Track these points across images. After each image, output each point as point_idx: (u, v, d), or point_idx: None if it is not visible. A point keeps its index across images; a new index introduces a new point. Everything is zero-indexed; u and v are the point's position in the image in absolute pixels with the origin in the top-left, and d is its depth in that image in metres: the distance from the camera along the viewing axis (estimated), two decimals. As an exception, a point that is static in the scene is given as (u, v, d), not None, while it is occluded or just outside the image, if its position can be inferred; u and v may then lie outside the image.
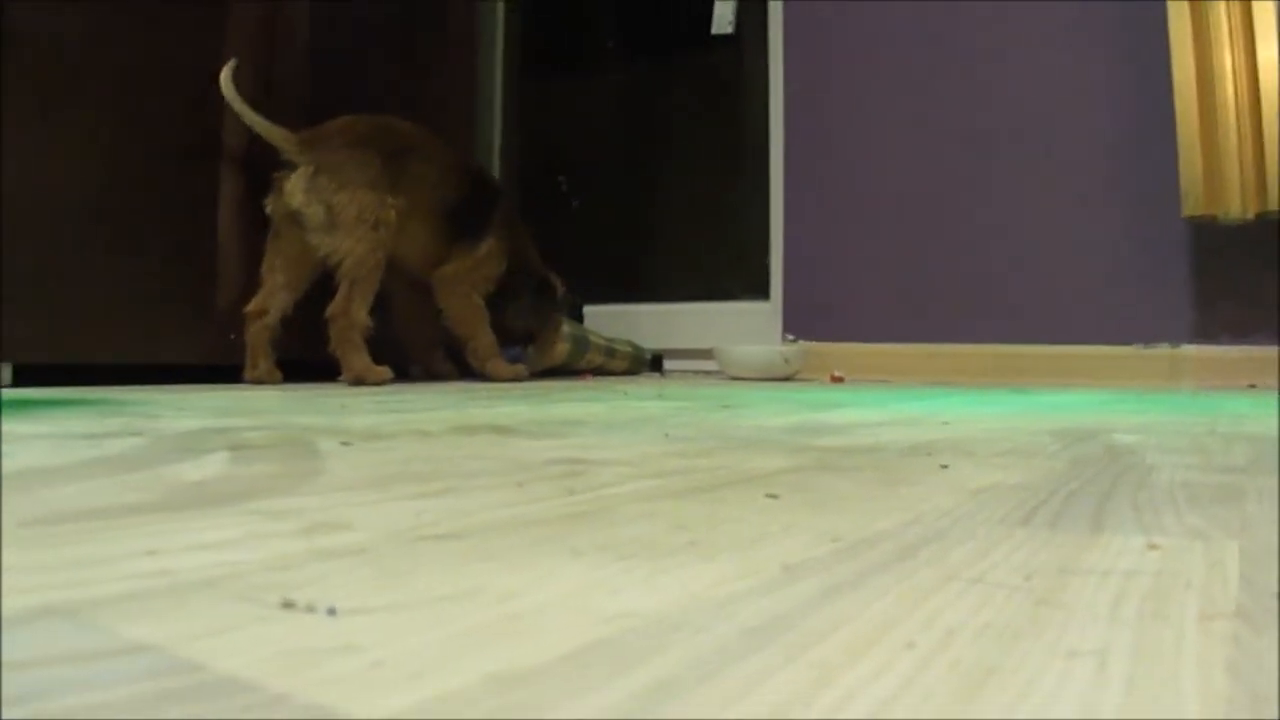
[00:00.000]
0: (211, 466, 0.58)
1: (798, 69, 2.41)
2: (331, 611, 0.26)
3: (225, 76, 1.61)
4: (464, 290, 1.84)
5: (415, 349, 1.98)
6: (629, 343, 2.39)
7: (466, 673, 0.21)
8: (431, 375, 1.98)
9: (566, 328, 2.16)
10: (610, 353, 2.31)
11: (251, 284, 1.70)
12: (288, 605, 0.27)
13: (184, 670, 0.21)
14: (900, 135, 2.27)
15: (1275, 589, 0.31)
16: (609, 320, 2.57)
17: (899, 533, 0.40)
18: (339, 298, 1.64)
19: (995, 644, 0.24)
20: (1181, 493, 0.52)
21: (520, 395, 1.44)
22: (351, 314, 1.64)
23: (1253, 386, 1.85)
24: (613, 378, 2.24)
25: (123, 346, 1.58)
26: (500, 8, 2.94)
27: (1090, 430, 0.92)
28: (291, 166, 1.64)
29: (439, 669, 0.22)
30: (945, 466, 0.62)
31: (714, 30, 2.60)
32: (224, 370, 1.69)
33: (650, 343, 2.51)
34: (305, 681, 0.21)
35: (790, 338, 2.34)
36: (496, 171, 2.88)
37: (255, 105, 1.64)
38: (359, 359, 1.65)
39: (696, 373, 2.48)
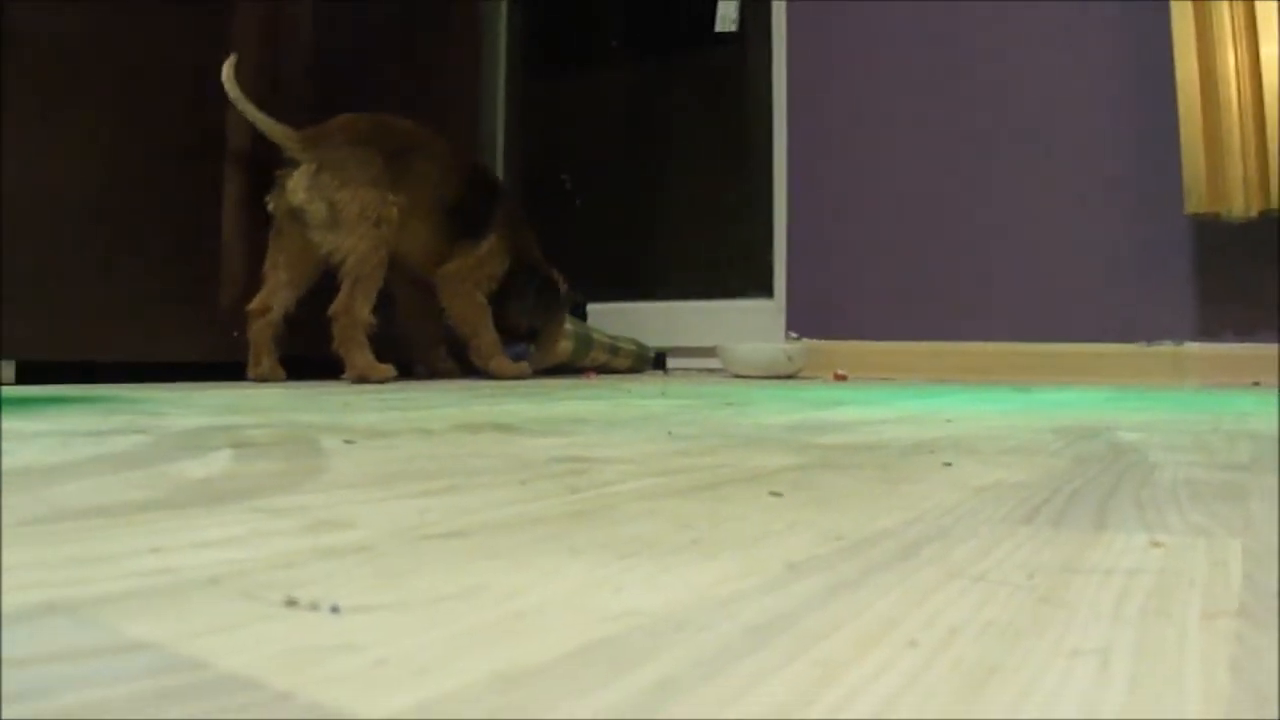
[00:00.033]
0: (215, 464, 0.58)
1: (801, 67, 2.41)
2: (335, 610, 0.26)
3: (228, 73, 1.61)
4: (466, 288, 1.84)
5: (418, 347, 1.98)
6: (633, 340, 2.39)
7: (470, 671, 0.21)
8: (434, 373, 1.98)
9: (570, 325, 2.16)
10: (614, 350, 2.30)
11: (254, 281, 1.70)
12: (291, 603, 0.27)
13: (186, 668, 0.21)
14: (903, 133, 2.27)
15: (1277, 587, 0.31)
16: (613, 318, 2.57)
17: (902, 531, 0.40)
18: (342, 296, 1.64)
19: (998, 642, 0.24)
20: (1184, 490, 0.52)
21: (523, 393, 1.44)
22: (354, 312, 1.64)
23: (1256, 384, 1.85)
24: (616, 375, 2.24)
25: (126, 344, 1.58)
26: (504, 6, 2.94)
27: (1093, 428, 0.92)
28: (294, 164, 1.64)
29: (442, 668, 0.22)
30: (948, 464, 0.62)
31: (717, 28, 2.60)
32: (227, 368, 1.69)
33: (654, 340, 2.51)
34: (308, 680, 0.21)
35: (793, 335, 2.34)
36: (500, 170, 2.88)
37: (259, 103, 1.64)
38: (362, 357, 1.65)
39: (700, 370, 2.48)
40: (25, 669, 0.21)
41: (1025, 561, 0.34)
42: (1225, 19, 1.82)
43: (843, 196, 2.33)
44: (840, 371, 2.19)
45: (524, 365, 1.95)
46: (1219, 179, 1.82)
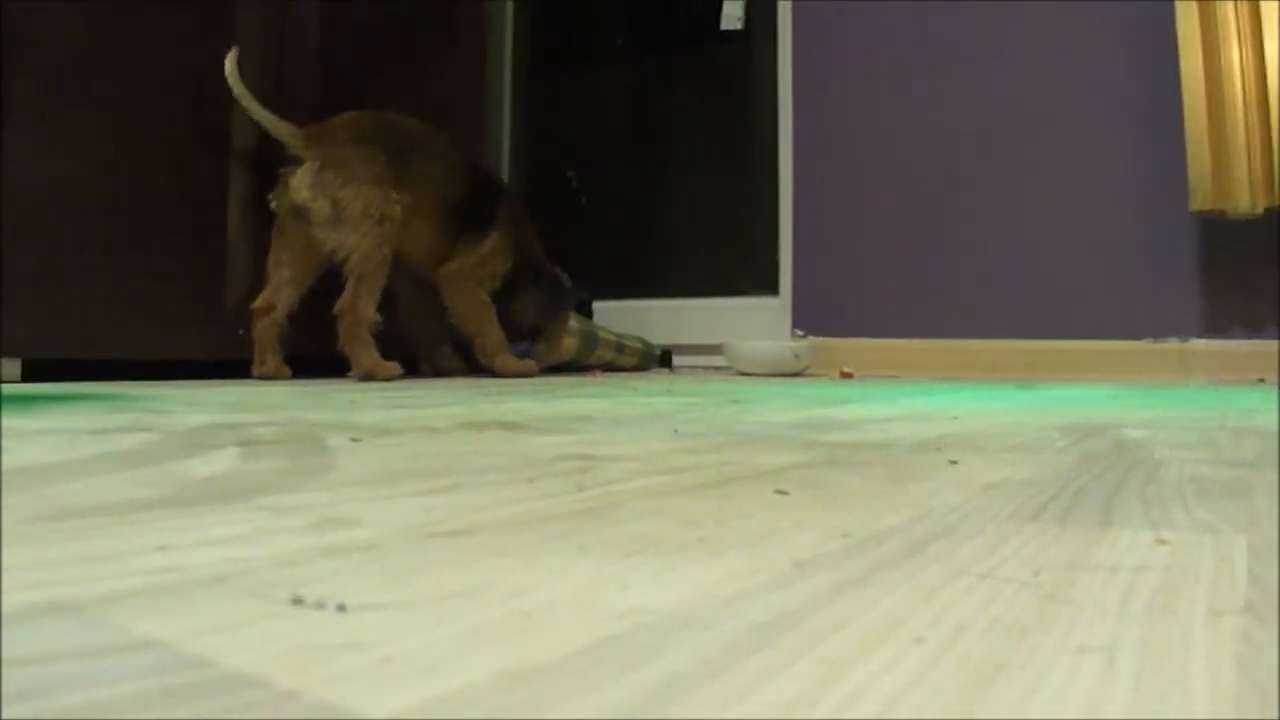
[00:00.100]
0: (221, 462, 0.58)
1: (806, 66, 2.40)
2: (341, 608, 0.26)
3: (231, 70, 1.61)
4: (470, 287, 1.84)
5: (422, 345, 1.98)
6: (638, 338, 2.39)
7: (476, 669, 0.21)
8: (439, 371, 1.98)
9: (575, 323, 2.17)
10: (619, 348, 2.31)
11: (260, 279, 1.70)
12: (297, 602, 0.27)
13: (192, 667, 0.21)
14: (909, 131, 2.27)
15: (1278, 584, 0.31)
16: (618, 316, 2.57)
17: (908, 528, 0.40)
18: (346, 293, 1.64)
19: (1004, 640, 0.24)
20: (1190, 488, 0.52)
21: (529, 391, 1.44)
22: (359, 310, 1.64)
23: (1261, 380, 1.85)
24: (622, 373, 2.24)
25: (132, 342, 1.58)
26: (509, 6, 2.94)
27: (1099, 425, 0.92)
28: (297, 161, 1.64)
29: (449, 666, 0.22)
30: (954, 462, 0.62)
31: (723, 27, 2.60)
32: (233, 365, 1.69)
33: (659, 338, 2.51)
34: (314, 678, 0.21)
35: (799, 333, 2.34)
36: (506, 168, 2.89)
37: (263, 101, 1.64)
38: (368, 355, 1.65)
39: (706, 368, 2.48)
40: (30, 668, 0.21)
41: (1031, 559, 0.34)
42: (1230, 17, 1.82)
43: (848, 194, 2.33)
44: (846, 369, 2.19)
45: (529, 363, 1.96)
46: (1224, 176, 1.82)
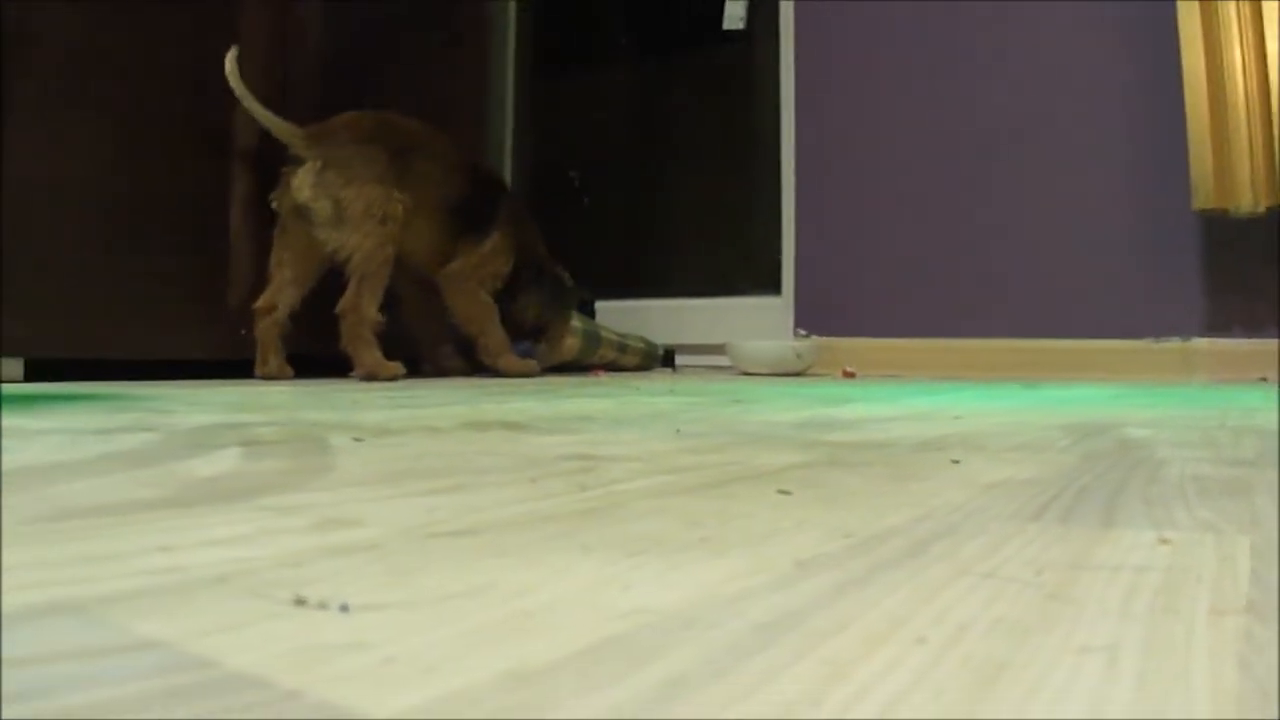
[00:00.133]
0: (223, 462, 0.58)
1: (809, 66, 2.40)
2: (343, 608, 0.26)
3: (231, 70, 1.61)
4: (471, 288, 1.84)
5: (424, 345, 1.98)
6: (641, 338, 2.39)
7: (478, 670, 0.21)
8: (440, 371, 1.98)
9: (578, 323, 2.17)
10: (622, 348, 2.31)
11: (262, 279, 1.70)
12: (299, 602, 0.27)
13: (194, 667, 0.21)
14: (911, 131, 2.27)
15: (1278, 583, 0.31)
16: (621, 315, 2.57)
17: (910, 528, 0.40)
18: (349, 293, 1.64)
19: (1006, 639, 0.24)
20: (1192, 487, 0.52)
21: (532, 391, 1.44)
22: (361, 309, 1.64)
23: (1263, 380, 1.84)
24: (624, 373, 2.24)
25: (134, 342, 1.58)
26: (511, 6, 2.94)
27: (1101, 425, 0.92)
28: (299, 161, 1.64)
29: (451, 666, 0.22)
30: (956, 461, 0.62)
31: (725, 27, 2.60)
32: (235, 365, 1.69)
33: (662, 338, 2.51)
34: (316, 678, 0.21)
35: (802, 333, 2.34)
36: (508, 168, 2.89)
37: (266, 101, 1.64)
38: (370, 354, 1.65)
39: (708, 368, 2.48)
40: (32, 668, 0.21)
41: (1034, 558, 0.34)
42: (1232, 15, 1.82)
43: (850, 194, 2.33)
44: (848, 368, 2.19)
45: (532, 363, 1.96)
46: (1226, 175, 1.82)
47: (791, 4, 2.45)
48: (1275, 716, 0.20)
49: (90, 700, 0.19)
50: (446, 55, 2.21)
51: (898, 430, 0.84)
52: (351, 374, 1.67)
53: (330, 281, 1.68)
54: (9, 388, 1.30)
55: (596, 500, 0.46)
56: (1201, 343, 1.96)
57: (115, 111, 1.56)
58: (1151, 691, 0.21)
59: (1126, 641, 0.24)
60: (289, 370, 1.69)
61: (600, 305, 2.55)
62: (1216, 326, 1.95)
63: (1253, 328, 1.91)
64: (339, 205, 1.63)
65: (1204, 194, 1.83)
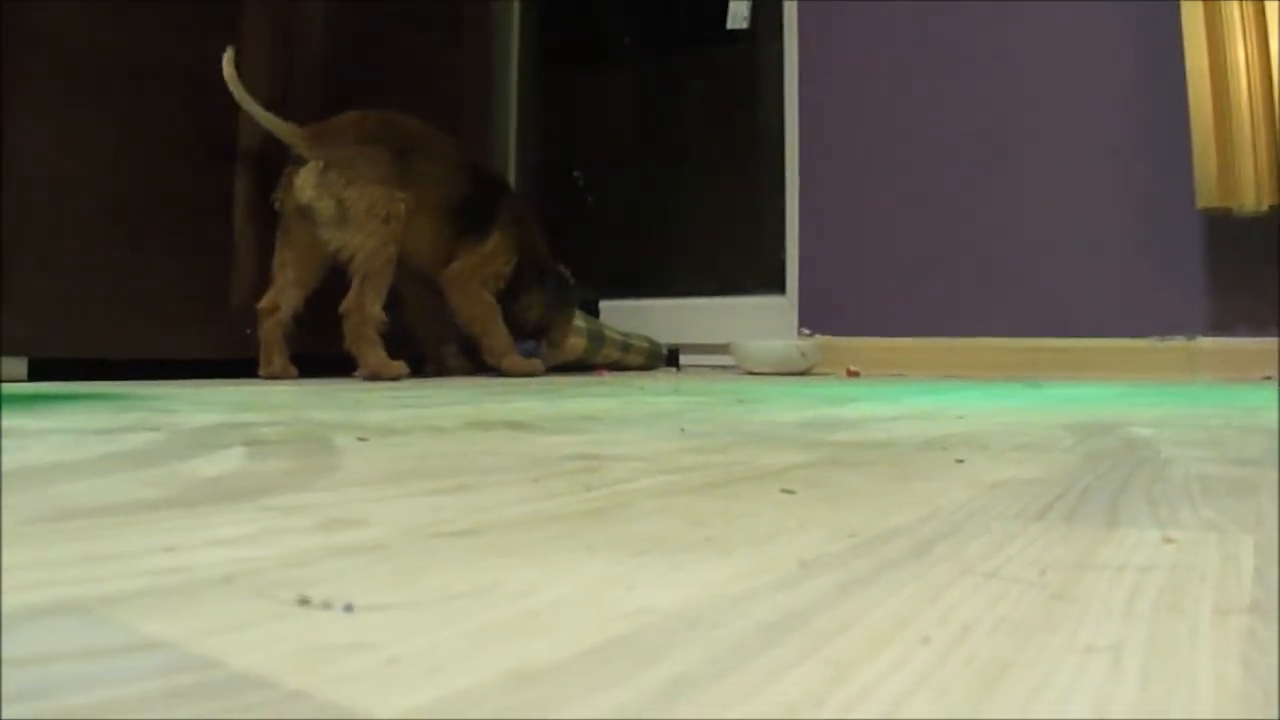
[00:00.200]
0: (227, 462, 0.58)
1: (812, 65, 2.40)
2: (348, 608, 0.26)
3: (229, 71, 1.61)
4: (473, 288, 1.84)
5: (428, 344, 1.98)
6: (645, 338, 2.39)
7: (483, 669, 0.21)
8: (445, 370, 1.98)
9: (582, 323, 2.17)
10: (626, 347, 2.31)
11: (266, 278, 1.70)
12: (304, 602, 0.27)
13: (199, 667, 0.21)
14: (915, 130, 2.27)
15: (1291, 583, 0.31)
16: (625, 315, 2.57)
17: (914, 528, 0.40)
18: (352, 293, 1.64)
19: (1010, 639, 0.24)
20: (1197, 486, 0.52)
21: (536, 390, 1.44)
22: (365, 309, 1.64)
23: (1268, 378, 1.84)
24: (629, 372, 2.24)
25: (138, 341, 1.58)
26: (515, 5, 2.94)
27: (1105, 424, 0.91)
28: (301, 161, 1.64)
29: (455, 666, 0.22)
30: (960, 461, 0.62)
31: (729, 26, 2.60)
32: (240, 365, 1.69)
33: (666, 337, 2.50)
34: (321, 678, 0.21)
35: (806, 332, 2.34)
36: (512, 167, 2.88)
37: (271, 102, 1.65)
38: (374, 354, 1.65)
39: (712, 367, 2.48)
40: (36, 668, 0.21)
41: (1038, 558, 0.34)
42: (1235, 14, 1.82)
43: (854, 193, 2.33)
44: (853, 368, 2.19)
45: (536, 362, 1.96)
46: (1230, 174, 1.81)
47: (795, 3, 2.45)
48: (1278, 716, 0.20)
49: (93, 700, 0.19)
50: (450, 55, 2.21)
51: (902, 430, 0.84)
52: (355, 374, 1.67)
53: (333, 281, 1.68)
54: (12, 387, 1.30)
55: (601, 500, 0.46)
56: (1205, 342, 1.95)
57: (118, 111, 1.57)
58: (1155, 691, 0.21)
59: (1131, 641, 0.24)
60: (293, 370, 1.69)
61: (604, 305, 2.55)
62: (1220, 325, 1.95)
63: (1256, 326, 1.91)
64: (342, 205, 1.63)
65: (1207, 193, 1.83)
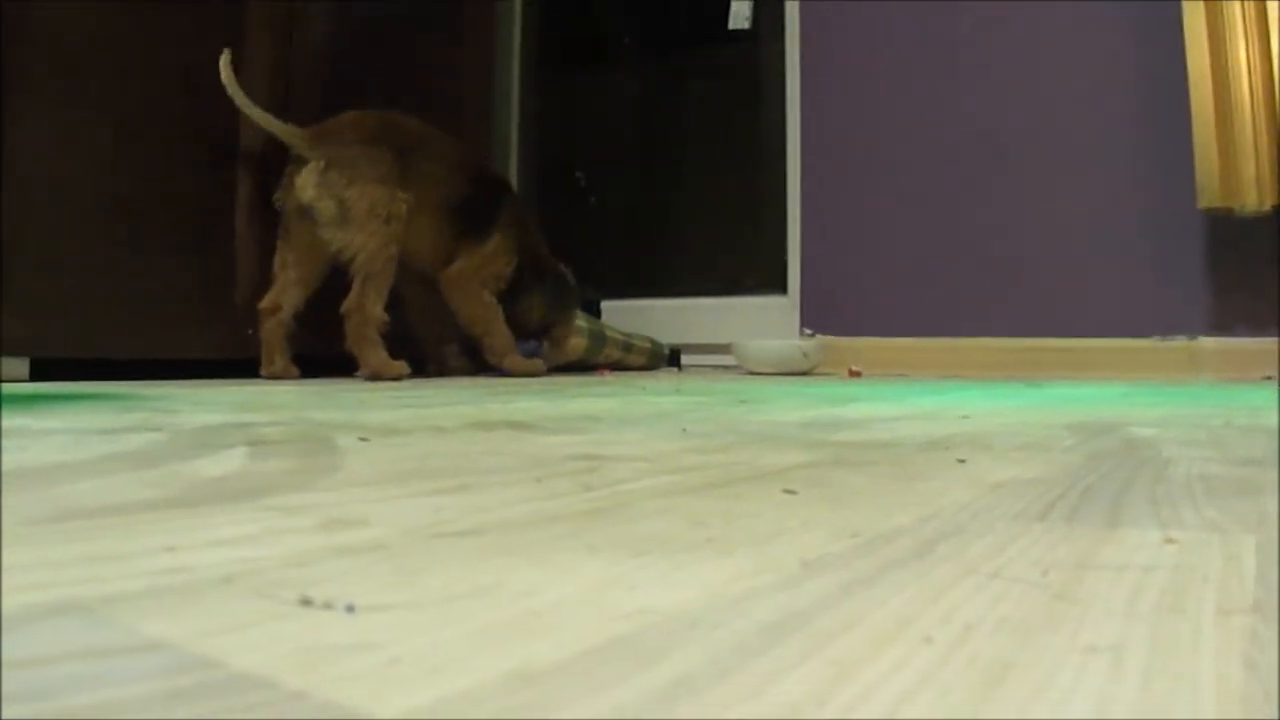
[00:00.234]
0: (229, 462, 0.58)
1: (814, 65, 2.40)
2: (349, 608, 0.26)
3: (226, 74, 1.61)
4: (474, 289, 1.84)
5: (429, 344, 1.98)
6: (646, 338, 2.39)
7: (484, 670, 0.21)
8: (446, 370, 1.98)
9: (584, 323, 2.17)
10: (628, 348, 2.31)
11: (268, 278, 1.70)
12: (305, 602, 0.27)
13: (200, 667, 0.21)
14: (916, 130, 2.27)
15: (1294, 583, 0.31)
16: (626, 315, 2.57)
17: (916, 528, 0.39)
18: (353, 293, 1.65)
19: (1012, 639, 0.24)
20: (1199, 486, 0.52)
21: (537, 390, 1.44)
22: (366, 309, 1.64)
23: (1269, 378, 1.84)
24: (630, 373, 2.24)
25: (140, 341, 1.58)
26: (517, 5, 2.94)
27: (1107, 424, 0.91)
28: (302, 161, 1.64)
29: (457, 666, 0.22)
30: (962, 461, 0.62)
31: (731, 26, 2.60)
32: (241, 365, 1.70)
33: (668, 337, 2.50)
34: (322, 679, 0.21)
35: (808, 332, 2.34)
36: (514, 168, 2.89)
37: (272, 102, 1.65)
38: (375, 354, 1.65)
39: (714, 367, 2.48)
40: (38, 668, 0.21)
41: (1040, 558, 0.34)
42: (1237, 15, 1.82)
43: (856, 193, 2.33)
44: (855, 368, 2.19)
45: (538, 362, 1.96)
46: (1232, 174, 1.81)
47: (797, 4, 2.45)
48: (1278, 716, 0.19)
49: (95, 701, 0.19)
50: (451, 54, 2.21)
51: (904, 430, 0.84)
52: (357, 374, 1.67)
53: (335, 281, 1.68)
54: (13, 387, 1.30)
55: (602, 500, 0.46)
56: (1207, 341, 1.95)
57: (118, 111, 1.57)
58: (1157, 691, 0.21)
59: (1132, 641, 0.24)
60: (294, 370, 1.69)
61: (606, 305, 2.55)
62: (1221, 325, 1.95)
63: (1258, 326, 1.91)
64: (343, 205, 1.63)
65: (1209, 193, 1.83)
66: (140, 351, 1.59)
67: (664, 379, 1.93)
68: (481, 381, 1.73)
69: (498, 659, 0.22)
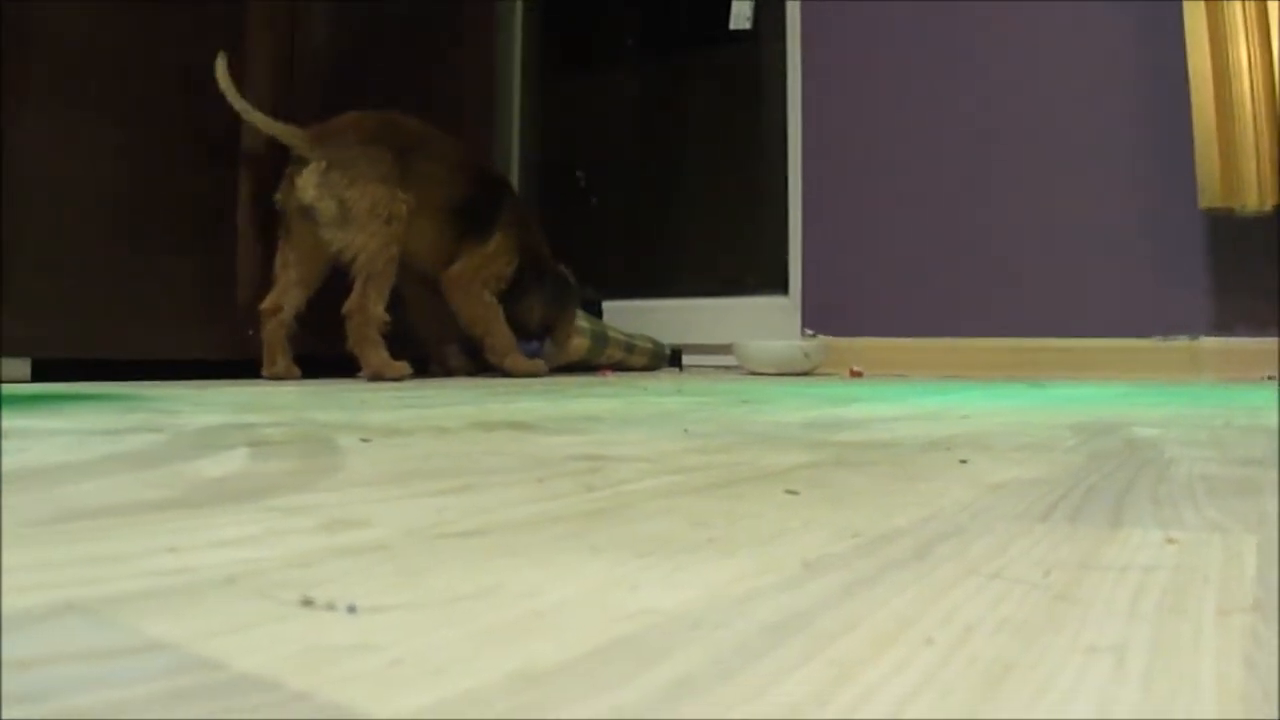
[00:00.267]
0: (231, 463, 0.58)
1: (815, 65, 2.40)
2: (351, 609, 0.26)
3: (223, 77, 1.61)
4: (475, 289, 1.84)
5: (431, 345, 1.98)
6: (648, 338, 2.39)
7: (487, 671, 0.21)
8: (448, 371, 1.98)
9: (585, 323, 2.17)
10: (629, 348, 2.30)
11: (269, 279, 1.70)
12: (307, 603, 0.27)
13: (202, 668, 0.21)
14: (917, 130, 2.27)
15: (1295, 584, 0.31)
16: (628, 315, 2.57)
17: (918, 528, 0.39)
18: (354, 294, 1.65)
19: (1014, 640, 0.24)
20: (1200, 486, 0.52)
21: (539, 391, 1.44)
22: (368, 309, 1.64)
23: (1270, 378, 1.84)
24: (632, 373, 2.24)
25: (142, 342, 1.58)
26: (518, 5, 2.94)
27: (1109, 424, 0.91)
28: (303, 162, 1.64)
29: (459, 667, 0.22)
30: (964, 461, 0.62)
31: (732, 26, 2.60)
32: (243, 365, 1.70)
33: (669, 338, 2.50)
34: (324, 680, 0.21)
35: (809, 332, 2.34)
36: (515, 168, 2.88)
37: (273, 102, 1.65)
38: (377, 354, 1.65)
39: (715, 368, 2.48)
40: (40, 669, 0.21)
41: (1041, 558, 0.34)
42: (1238, 15, 1.82)
43: (857, 193, 2.33)
44: (856, 368, 2.19)
45: (539, 363, 1.96)
46: (1233, 174, 1.82)
47: (798, 4, 2.45)
48: (1278, 715, 0.20)
49: (97, 701, 0.19)
50: (452, 55, 2.21)
51: (905, 430, 0.84)
52: (358, 374, 1.67)
53: (336, 282, 1.68)
54: (15, 388, 1.30)
55: (604, 501, 0.46)
56: (1209, 341, 1.95)
57: (118, 111, 1.57)
58: (1158, 691, 0.21)
59: (1134, 641, 0.24)
60: (296, 370, 1.69)
61: (607, 305, 2.55)
62: (1222, 325, 1.95)
63: (1259, 326, 1.91)
64: (344, 205, 1.63)
65: (1210, 193, 1.83)
66: (141, 352, 1.59)
67: (665, 379, 1.93)
68: (483, 382, 1.73)
69: (500, 659, 0.22)
